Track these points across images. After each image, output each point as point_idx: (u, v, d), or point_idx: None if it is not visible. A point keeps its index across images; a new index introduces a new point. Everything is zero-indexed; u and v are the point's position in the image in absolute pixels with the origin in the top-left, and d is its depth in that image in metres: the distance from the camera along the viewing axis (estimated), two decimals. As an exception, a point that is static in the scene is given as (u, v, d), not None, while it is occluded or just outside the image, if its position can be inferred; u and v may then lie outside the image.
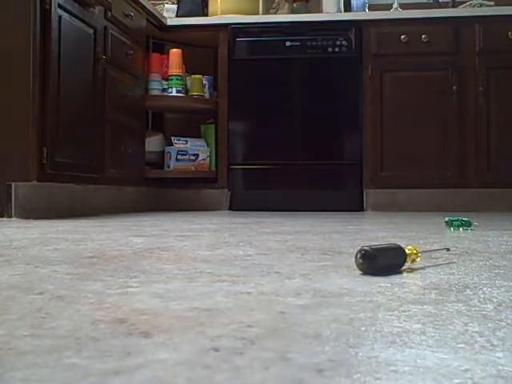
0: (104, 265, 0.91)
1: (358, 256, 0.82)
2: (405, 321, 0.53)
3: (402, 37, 3.40)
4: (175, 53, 3.43)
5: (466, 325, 0.51)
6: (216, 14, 3.64)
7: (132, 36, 3.10)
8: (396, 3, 3.80)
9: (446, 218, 1.83)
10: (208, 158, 3.57)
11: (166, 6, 3.85)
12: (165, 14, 3.72)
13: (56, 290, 0.69)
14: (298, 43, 3.45)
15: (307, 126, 3.42)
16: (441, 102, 3.37)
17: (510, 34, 3.31)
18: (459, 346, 0.44)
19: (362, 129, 3.41)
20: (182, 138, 3.53)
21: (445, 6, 3.80)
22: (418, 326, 0.51)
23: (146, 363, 0.40)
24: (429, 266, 0.91)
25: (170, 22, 3.56)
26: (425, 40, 3.38)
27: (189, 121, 3.82)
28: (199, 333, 0.48)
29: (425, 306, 0.60)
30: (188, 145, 3.52)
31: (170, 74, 3.42)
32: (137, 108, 3.20)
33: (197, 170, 3.51)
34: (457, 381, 0.36)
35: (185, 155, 3.49)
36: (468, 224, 1.78)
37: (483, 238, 1.44)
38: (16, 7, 2.23)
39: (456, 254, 1.09)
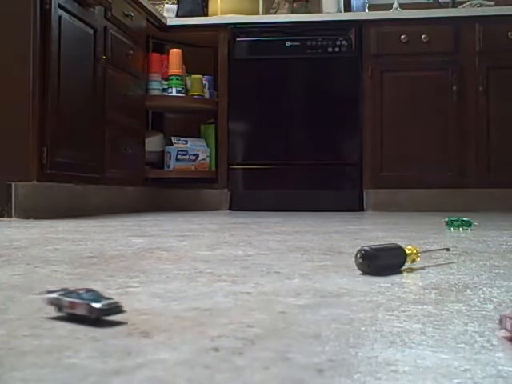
0: (104, 265, 0.91)
1: (358, 256, 0.82)
2: (405, 321, 0.53)
3: (402, 37, 3.40)
4: (175, 53, 3.43)
5: (466, 325, 0.51)
6: (216, 14, 3.64)
7: (132, 36, 3.10)
8: (396, 3, 3.80)
9: (446, 218, 1.83)
10: (208, 158, 3.57)
11: (166, 5, 3.85)
12: (165, 14, 3.72)
13: (56, 289, 0.69)
14: (297, 43, 3.45)
15: (307, 126, 3.42)
16: (441, 102, 3.36)
17: (510, 33, 3.31)
18: (459, 346, 0.44)
19: (362, 129, 3.41)
20: (181, 138, 3.53)
21: (445, 5, 3.80)
22: (418, 325, 0.51)
23: (146, 363, 0.40)
24: (429, 266, 0.91)
25: (170, 22, 3.56)
26: (425, 40, 3.38)
27: (189, 121, 3.82)
28: (199, 333, 0.48)
29: (425, 306, 0.60)
30: (188, 145, 3.52)
31: (169, 73, 3.42)
32: (137, 108, 3.20)
33: (197, 170, 3.51)
34: (457, 381, 0.36)
35: (185, 155, 3.49)
36: (468, 224, 1.77)
37: (483, 238, 1.44)
38: (16, 7, 2.22)
39: (456, 253, 1.09)
